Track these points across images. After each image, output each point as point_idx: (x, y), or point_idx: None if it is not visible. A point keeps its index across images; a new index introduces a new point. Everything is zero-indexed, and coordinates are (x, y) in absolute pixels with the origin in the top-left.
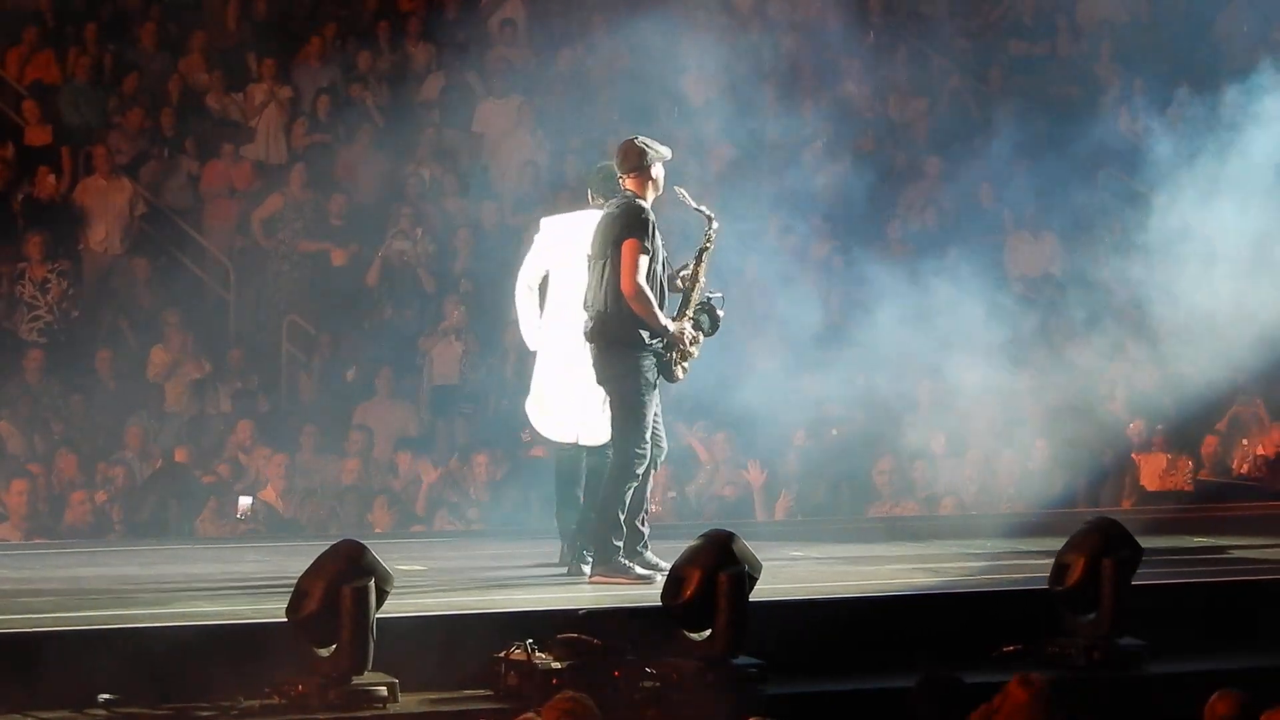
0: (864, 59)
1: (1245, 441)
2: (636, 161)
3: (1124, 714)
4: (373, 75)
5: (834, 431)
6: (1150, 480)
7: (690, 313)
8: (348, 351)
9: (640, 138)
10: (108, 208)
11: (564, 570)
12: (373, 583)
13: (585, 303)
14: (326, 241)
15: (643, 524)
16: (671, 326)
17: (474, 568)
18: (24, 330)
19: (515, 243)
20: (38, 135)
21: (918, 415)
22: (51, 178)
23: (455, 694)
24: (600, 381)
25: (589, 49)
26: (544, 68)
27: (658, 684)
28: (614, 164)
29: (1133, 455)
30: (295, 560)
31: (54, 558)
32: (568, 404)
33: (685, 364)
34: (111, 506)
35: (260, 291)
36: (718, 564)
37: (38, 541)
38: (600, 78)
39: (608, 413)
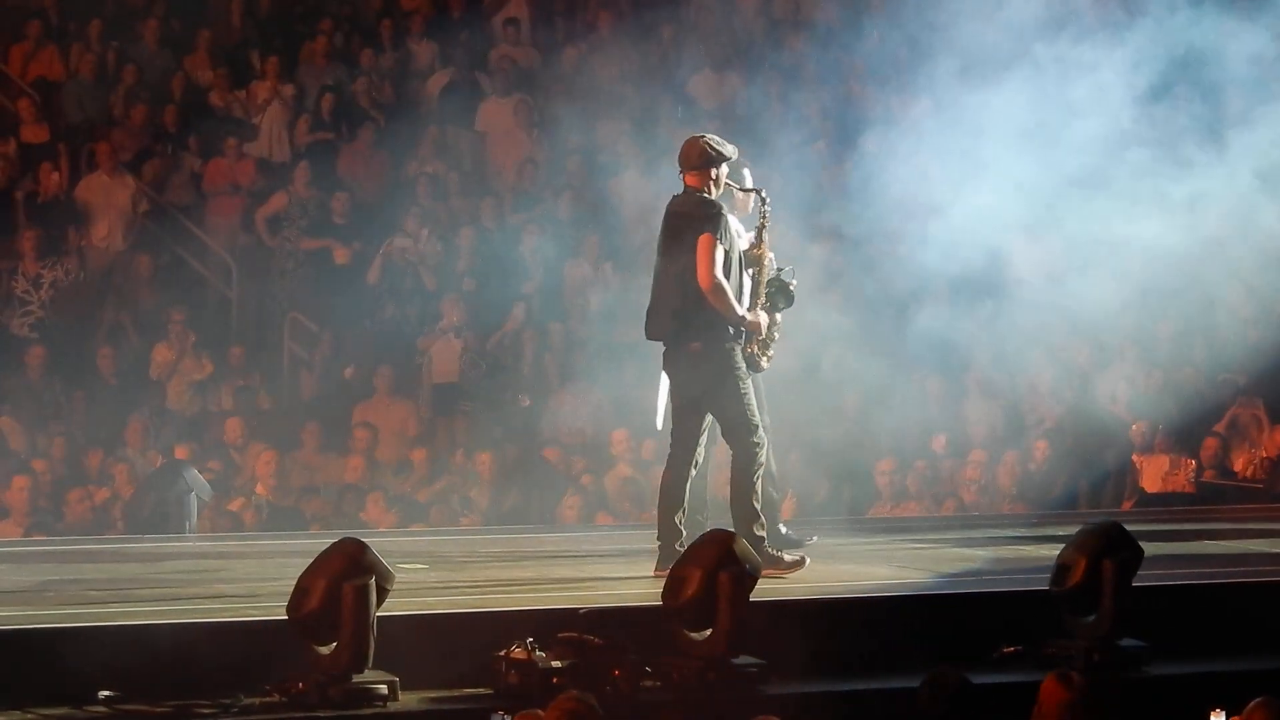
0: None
1: (1249, 444)
2: (696, 160)
3: (1125, 715)
4: (376, 73)
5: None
6: (1151, 482)
7: (763, 298)
8: (350, 350)
9: (706, 136)
10: (110, 205)
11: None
12: (373, 581)
13: (654, 300)
14: (329, 239)
15: (681, 523)
16: (748, 317)
17: (475, 566)
18: (15, 325)
19: (516, 241)
20: (40, 132)
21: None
22: (55, 175)
23: (455, 692)
24: (685, 382)
25: (592, 48)
26: (547, 67)
27: (658, 683)
28: (678, 161)
29: (1134, 457)
30: (296, 558)
31: (54, 554)
32: None
33: (769, 352)
34: (112, 503)
35: (263, 289)
36: (718, 564)
37: (38, 538)
38: (604, 77)
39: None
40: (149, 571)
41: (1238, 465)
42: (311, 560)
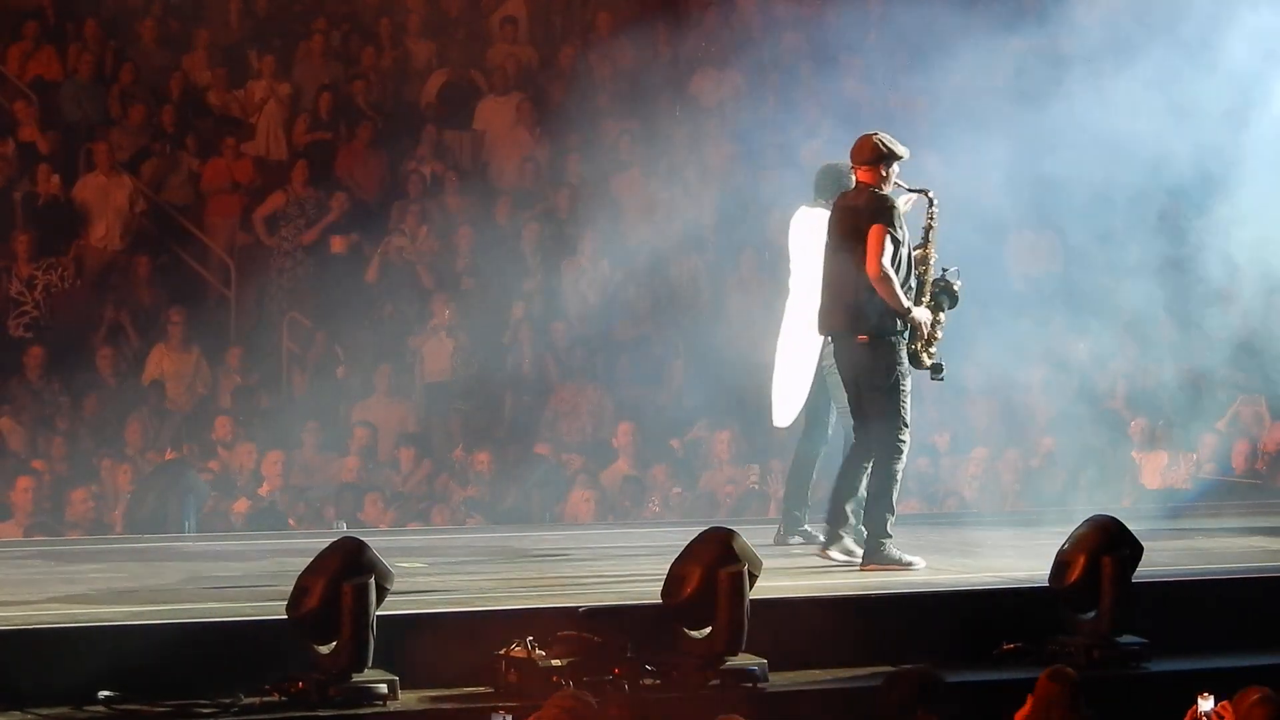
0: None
1: (1249, 440)
2: (869, 155)
3: (1124, 712)
4: (374, 72)
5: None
6: (1151, 478)
7: (927, 296)
8: (348, 349)
9: (879, 133)
10: (108, 204)
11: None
12: (373, 580)
13: (826, 295)
14: (327, 238)
15: (852, 511)
16: (914, 311)
17: (474, 565)
18: (11, 325)
19: (515, 240)
20: (38, 132)
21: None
22: (55, 175)
23: (455, 691)
24: (853, 373)
25: (590, 46)
26: (545, 65)
27: (657, 682)
28: (849, 157)
29: (1134, 454)
30: (295, 557)
31: (55, 554)
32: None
33: (931, 349)
34: (112, 503)
35: (261, 289)
36: (718, 562)
37: (38, 538)
38: (602, 75)
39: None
40: (149, 571)
41: (1237, 461)
42: (311, 560)
